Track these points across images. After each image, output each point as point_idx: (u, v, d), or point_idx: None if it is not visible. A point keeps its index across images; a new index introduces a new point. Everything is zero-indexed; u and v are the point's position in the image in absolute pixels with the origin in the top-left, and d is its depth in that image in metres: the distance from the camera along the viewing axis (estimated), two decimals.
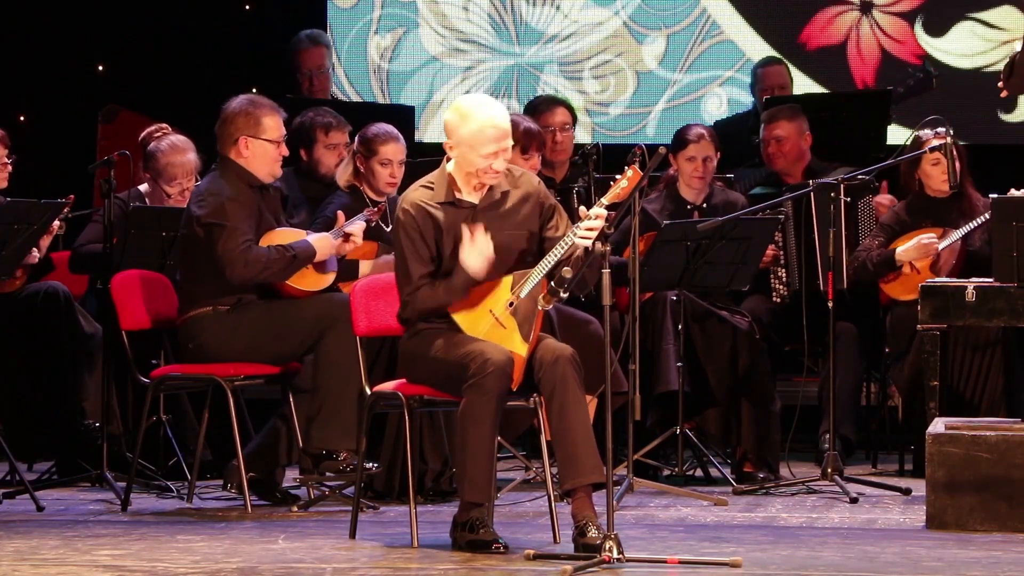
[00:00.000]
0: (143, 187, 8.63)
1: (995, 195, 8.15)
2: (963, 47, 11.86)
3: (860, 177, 8.78)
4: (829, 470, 8.19)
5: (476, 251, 6.34)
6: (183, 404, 8.27)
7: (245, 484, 7.46)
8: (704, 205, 9.10)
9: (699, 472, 8.87)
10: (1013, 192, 8.29)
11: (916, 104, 11.24)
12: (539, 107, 9.81)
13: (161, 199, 8.40)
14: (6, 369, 8.09)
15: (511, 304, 6.44)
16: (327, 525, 7.11)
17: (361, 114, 9.29)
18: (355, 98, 11.75)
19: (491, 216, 6.44)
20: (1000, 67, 8.59)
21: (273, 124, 7.78)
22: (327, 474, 7.68)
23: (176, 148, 8.41)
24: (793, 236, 9.40)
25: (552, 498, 6.57)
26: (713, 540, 6.78)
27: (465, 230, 6.33)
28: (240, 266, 7.49)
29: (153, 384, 7.67)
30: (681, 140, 9.10)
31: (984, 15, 12.19)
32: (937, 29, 11.90)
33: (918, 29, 11.82)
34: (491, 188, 6.41)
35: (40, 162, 10.45)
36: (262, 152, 7.77)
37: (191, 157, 8.48)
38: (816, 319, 8.89)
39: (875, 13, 12.26)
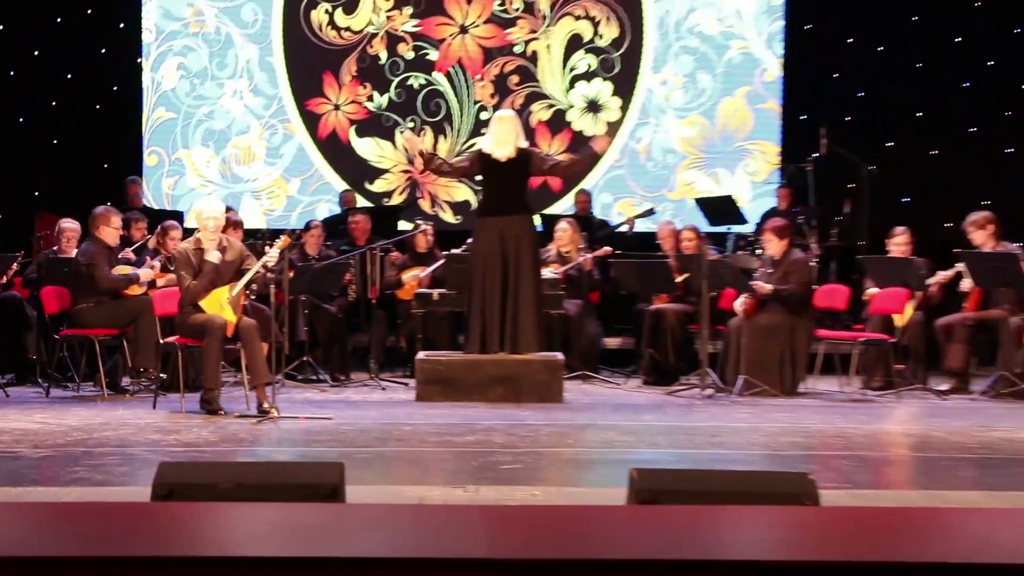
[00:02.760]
0: (55, 247, 12.12)
1: None
2: None
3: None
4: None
5: (212, 256, 10.12)
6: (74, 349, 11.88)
7: (103, 382, 11.19)
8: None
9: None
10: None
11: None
12: None
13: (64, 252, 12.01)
14: None
15: (229, 298, 10.19)
16: (142, 403, 10.80)
17: (163, 219, 12.93)
18: (153, 205, 15.04)
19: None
20: None
21: (117, 222, 11.56)
22: (142, 380, 11.42)
23: (69, 229, 12.08)
24: (359, 270, 12.91)
25: (247, 389, 10.29)
26: (318, 407, 10.51)
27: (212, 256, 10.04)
28: (104, 283, 11.27)
29: (60, 339, 11.55)
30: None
31: None
32: None
33: None
34: (221, 245, 10.21)
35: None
36: (110, 235, 11.47)
37: (75, 230, 12.05)
38: (372, 311, 12.68)
39: None
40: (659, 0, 15.72)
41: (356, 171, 15.79)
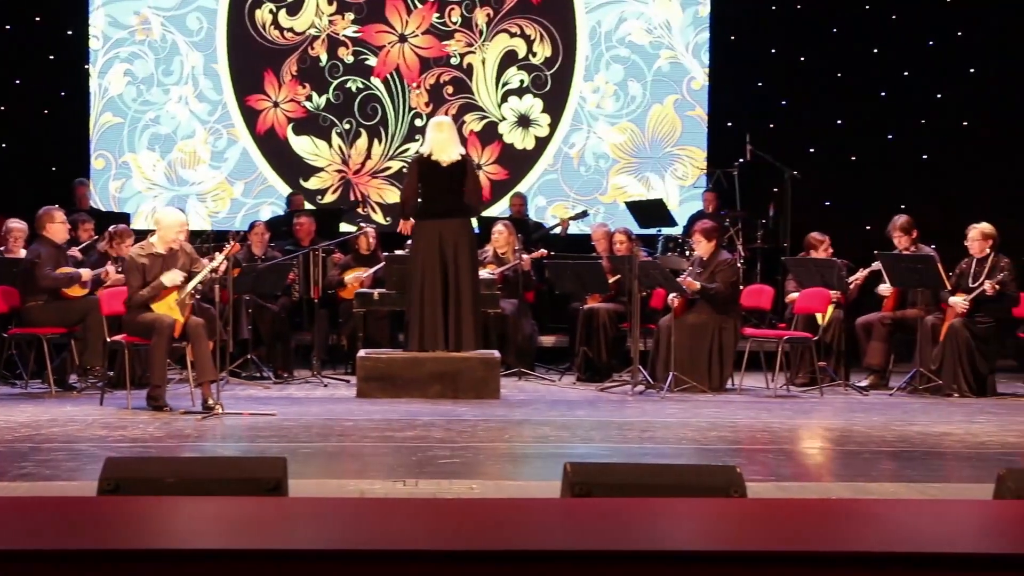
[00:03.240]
0: (3, 247, 11.76)
1: None
2: None
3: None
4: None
5: (169, 277, 10.17)
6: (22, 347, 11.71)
7: (51, 379, 11.07)
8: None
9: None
10: None
11: None
12: None
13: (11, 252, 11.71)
14: None
15: (177, 299, 10.22)
16: (89, 400, 10.70)
17: (110, 221, 12.96)
18: (101, 207, 14.86)
19: (171, 261, 10.25)
20: None
21: (61, 218, 11.53)
22: (89, 377, 11.36)
23: (16, 229, 11.81)
24: (302, 270, 12.78)
25: (192, 386, 10.28)
26: (261, 403, 10.58)
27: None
28: (45, 281, 11.24)
29: (8, 338, 11.44)
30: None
31: None
32: None
33: None
34: (171, 248, 10.24)
35: None
36: (57, 232, 11.45)
37: (22, 230, 11.80)
38: (315, 310, 12.63)
39: None
40: (591, 11, 15.74)
41: (292, 168, 15.76)
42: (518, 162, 15.78)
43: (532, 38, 15.81)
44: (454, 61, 15.75)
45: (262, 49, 15.80)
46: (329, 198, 15.74)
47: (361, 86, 15.78)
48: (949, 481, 7.78)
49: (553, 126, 15.77)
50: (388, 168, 15.80)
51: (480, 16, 15.75)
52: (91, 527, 3.50)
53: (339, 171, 15.79)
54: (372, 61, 15.73)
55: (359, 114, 15.76)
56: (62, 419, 9.69)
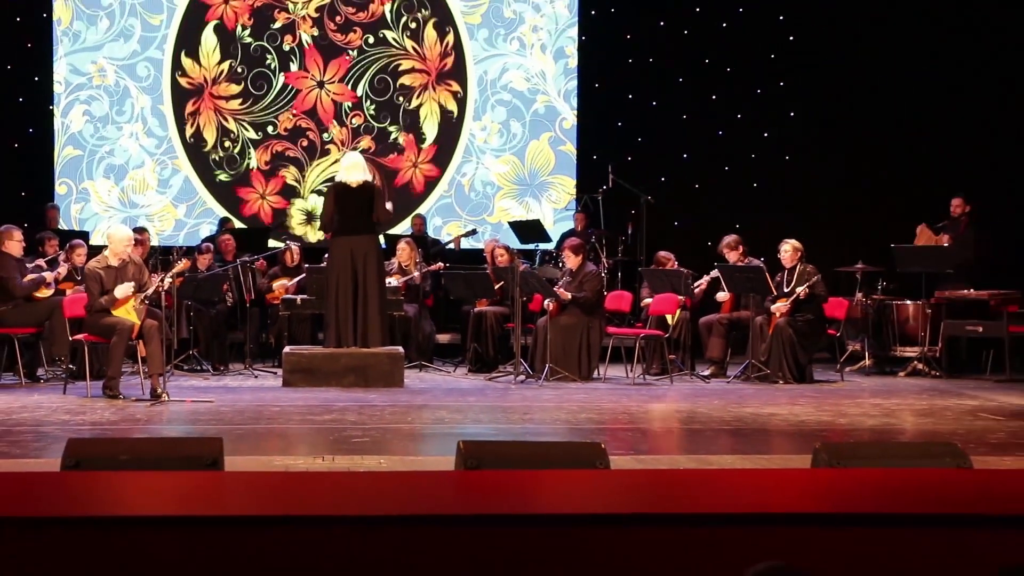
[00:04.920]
0: None
1: None
2: None
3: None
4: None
5: (121, 289, 10.14)
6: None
7: (21, 372, 10.97)
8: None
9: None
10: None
11: None
12: None
13: None
14: None
15: (135, 305, 10.19)
16: (54, 389, 10.58)
17: (72, 238, 12.57)
18: (64, 227, 14.45)
19: (123, 272, 10.19)
20: None
21: (18, 236, 11.32)
22: (55, 368, 11.29)
23: None
24: (235, 280, 12.55)
25: (142, 377, 10.26)
26: (201, 392, 10.49)
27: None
28: (20, 291, 11.07)
29: None
30: None
31: None
32: None
33: None
34: (123, 260, 10.18)
35: None
36: (14, 247, 11.23)
37: None
38: (247, 313, 12.62)
39: None
40: (479, 62, 15.73)
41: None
42: (414, 195, 15.72)
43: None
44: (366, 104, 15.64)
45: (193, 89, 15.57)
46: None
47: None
48: (775, 453, 7.85)
49: (442, 167, 15.66)
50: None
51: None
52: (55, 498, 3.48)
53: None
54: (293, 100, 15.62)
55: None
56: (31, 406, 9.57)
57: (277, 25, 15.66)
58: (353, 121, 15.69)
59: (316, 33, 15.65)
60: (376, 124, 15.71)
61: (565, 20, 15.84)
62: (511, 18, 15.82)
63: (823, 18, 15.53)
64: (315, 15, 15.68)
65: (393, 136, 15.73)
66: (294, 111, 15.58)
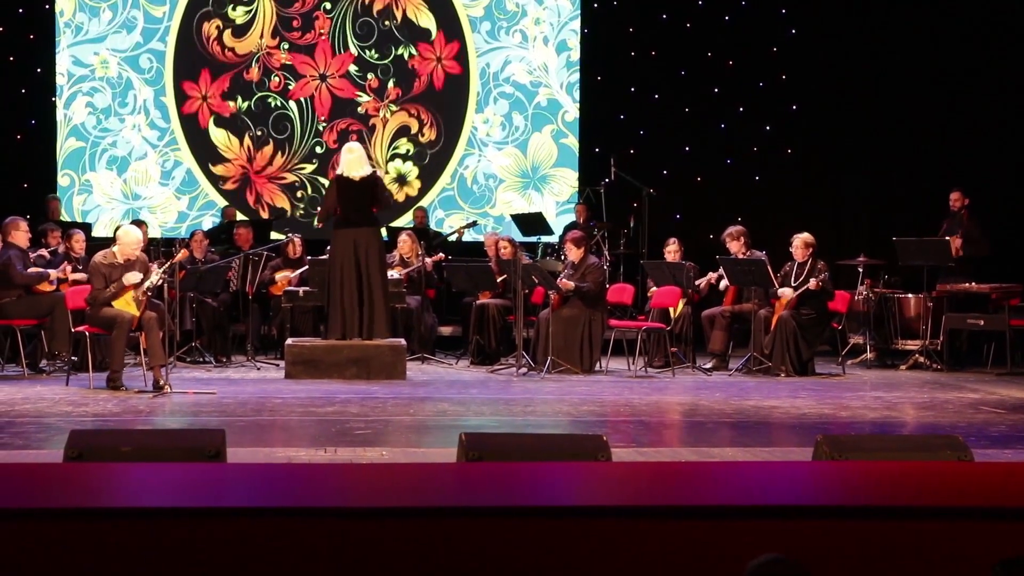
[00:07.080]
0: None
1: None
2: None
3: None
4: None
5: (129, 277, 10.09)
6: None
7: (24, 363, 11.00)
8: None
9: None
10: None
11: None
12: None
13: None
14: None
15: (135, 296, 10.15)
16: (56, 381, 10.54)
17: (70, 228, 12.53)
18: (66, 218, 14.40)
19: (129, 270, 10.11)
20: None
21: (24, 227, 11.37)
22: (57, 361, 11.24)
23: None
24: (241, 270, 12.64)
25: (144, 369, 10.19)
26: (203, 383, 10.42)
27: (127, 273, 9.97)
28: (20, 279, 11.03)
29: None
30: None
31: None
32: None
33: None
34: (129, 259, 10.12)
35: None
36: (20, 238, 11.30)
37: None
38: (249, 305, 12.57)
39: None
40: (481, 55, 15.71)
41: (206, 151, 15.52)
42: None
43: (424, 122, 15.67)
44: (360, 110, 15.57)
45: (205, 56, 15.52)
46: (230, 186, 15.45)
47: (279, 104, 15.57)
48: (776, 446, 7.84)
49: (423, 191, 15.67)
50: (284, 178, 15.57)
51: (392, 92, 15.62)
52: (58, 489, 3.47)
53: (242, 167, 15.53)
54: (292, 85, 15.55)
55: (272, 126, 15.54)
56: (33, 397, 9.55)
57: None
58: (368, 76, 15.64)
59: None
60: (382, 62, 15.68)
61: (568, 13, 15.83)
62: (513, 11, 15.80)
63: (825, 11, 15.53)
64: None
65: (404, 52, 15.67)
66: (322, 120, 15.52)
